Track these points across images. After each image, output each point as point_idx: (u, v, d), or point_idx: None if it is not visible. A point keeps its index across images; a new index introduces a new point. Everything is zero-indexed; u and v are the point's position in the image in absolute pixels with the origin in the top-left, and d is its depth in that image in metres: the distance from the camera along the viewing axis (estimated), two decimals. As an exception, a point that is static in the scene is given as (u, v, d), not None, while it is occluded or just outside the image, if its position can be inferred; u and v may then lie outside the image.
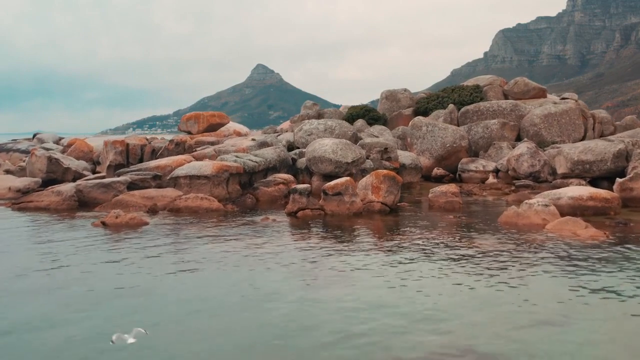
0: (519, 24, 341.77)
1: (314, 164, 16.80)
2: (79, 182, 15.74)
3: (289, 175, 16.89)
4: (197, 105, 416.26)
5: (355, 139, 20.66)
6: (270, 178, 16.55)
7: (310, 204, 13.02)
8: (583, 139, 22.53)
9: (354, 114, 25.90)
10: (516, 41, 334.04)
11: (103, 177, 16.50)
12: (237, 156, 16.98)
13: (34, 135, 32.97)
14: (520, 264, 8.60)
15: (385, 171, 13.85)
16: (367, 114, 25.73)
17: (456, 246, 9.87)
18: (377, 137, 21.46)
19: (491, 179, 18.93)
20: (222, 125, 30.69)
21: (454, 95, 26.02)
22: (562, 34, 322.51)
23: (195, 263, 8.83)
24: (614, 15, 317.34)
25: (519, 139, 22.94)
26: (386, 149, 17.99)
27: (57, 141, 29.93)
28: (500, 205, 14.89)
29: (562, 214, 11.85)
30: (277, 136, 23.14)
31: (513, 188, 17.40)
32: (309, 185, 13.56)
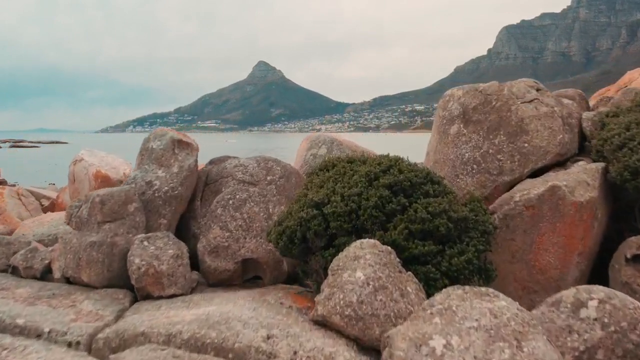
0: (523, 21, 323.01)
1: None
2: None
3: None
4: (198, 103, 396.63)
5: None
6: None
7: None
8: None
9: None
10: (520, 38, 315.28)
11: None
12: None
13: None
14: None
15: None
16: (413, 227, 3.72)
17: None
18: None
19: None
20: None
21: None
22: (567, 30, 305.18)
23: None
24: (620, 11, 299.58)
25: None
26: None
27: None
28: None
29: None
30: None
31: None
32: None
